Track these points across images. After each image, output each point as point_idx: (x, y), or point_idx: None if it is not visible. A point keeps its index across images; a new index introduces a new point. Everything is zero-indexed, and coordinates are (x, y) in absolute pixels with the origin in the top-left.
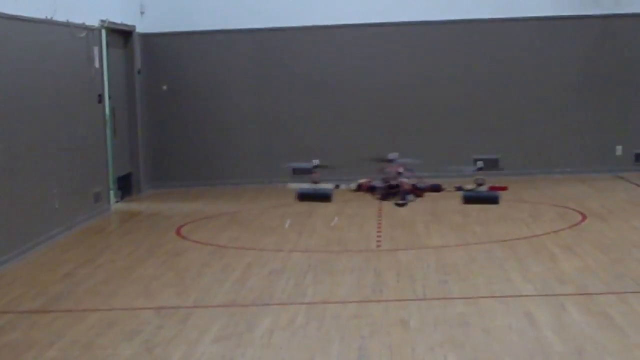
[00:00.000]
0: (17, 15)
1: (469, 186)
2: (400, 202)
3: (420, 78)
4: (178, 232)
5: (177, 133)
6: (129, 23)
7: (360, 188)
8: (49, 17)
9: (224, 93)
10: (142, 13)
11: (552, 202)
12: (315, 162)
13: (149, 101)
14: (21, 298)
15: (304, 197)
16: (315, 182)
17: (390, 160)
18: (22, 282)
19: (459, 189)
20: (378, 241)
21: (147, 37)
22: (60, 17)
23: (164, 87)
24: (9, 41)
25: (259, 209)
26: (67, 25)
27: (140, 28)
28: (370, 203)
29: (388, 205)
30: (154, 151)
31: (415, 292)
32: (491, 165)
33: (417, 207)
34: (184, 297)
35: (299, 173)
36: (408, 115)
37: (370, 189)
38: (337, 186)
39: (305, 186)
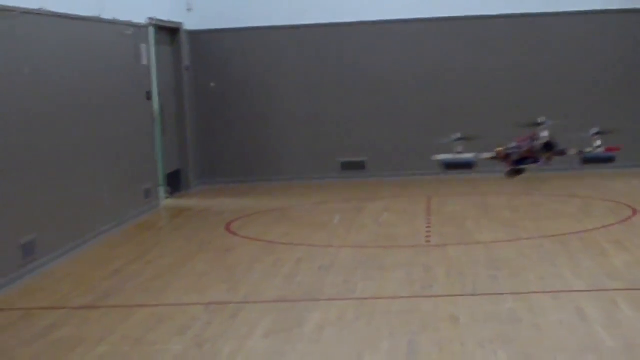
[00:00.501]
0: (65, 14)
1: (588, 149)
2: (518, 167)
3: (470, 71)
4: (228, 228)
5: (226, 129)
6: (177, 20)
7: (498, 156)
8: (96, 15)
9: (272, 89)
10: (189, 10)
11: (603, 197)
12: (456, 135)
13: (197, 98)
14: (72, 294)
15: (449, 166)
16: (459, 153)
17: (539, 124)
18: (73, 278)
19: (580, 152)
20: (427, 237)
21: (194, 34)
22: (107, 15)
23: (212, 84)
24: (57, 39)
25: (308, 205)
26: (114, 23)
27: (188, 25)
28: (420, 199)
29: (437, 201)
30: (202, 148)
31: (465, 287)
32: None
33: (466, 202)
34: (234, 292)
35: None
36: (458, 109)
37: (507, 157)
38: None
39: (449, 156)
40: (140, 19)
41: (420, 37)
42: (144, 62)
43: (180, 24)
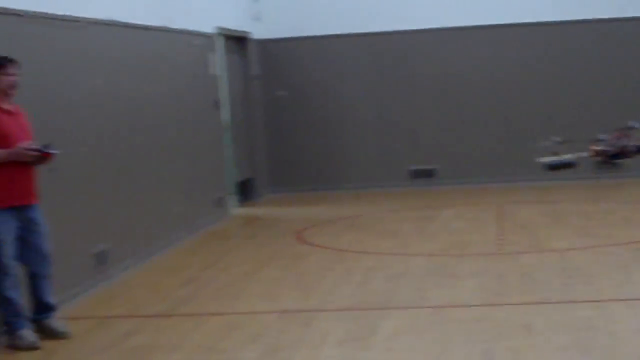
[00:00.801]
0: (133, 24)
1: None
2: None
3: (540, 77)
4: (299, 236)
5: (295, 138)
6: (245, 29)
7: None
8: (165, 25)
9: (341, 97)
10: (257, 19)
11: None
12: (555, 138)
13: (266, 106)
14: (145, 302)
15: (553, 167)
16: (557, 154)
17: (632, 128)
18: (146, 286)
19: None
20: (499, 244)
21: (263, 43)
22: (176, 25)
23: (282, 93)
24: (127, 49)
25: (378, 213)
26: (183, 32)
27: (256, 34)
28: (491, 207)
29: (508, 209)
30: (272, 156)
31: (539, 295)
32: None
33: (537, 209)
34: (306, 300)
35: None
36: (528, 116)
37: (602, 153)
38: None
39: (553, 158)
40: (209, 28)
41: (490, 43)
42: (212, 71)
43: (249, 33)
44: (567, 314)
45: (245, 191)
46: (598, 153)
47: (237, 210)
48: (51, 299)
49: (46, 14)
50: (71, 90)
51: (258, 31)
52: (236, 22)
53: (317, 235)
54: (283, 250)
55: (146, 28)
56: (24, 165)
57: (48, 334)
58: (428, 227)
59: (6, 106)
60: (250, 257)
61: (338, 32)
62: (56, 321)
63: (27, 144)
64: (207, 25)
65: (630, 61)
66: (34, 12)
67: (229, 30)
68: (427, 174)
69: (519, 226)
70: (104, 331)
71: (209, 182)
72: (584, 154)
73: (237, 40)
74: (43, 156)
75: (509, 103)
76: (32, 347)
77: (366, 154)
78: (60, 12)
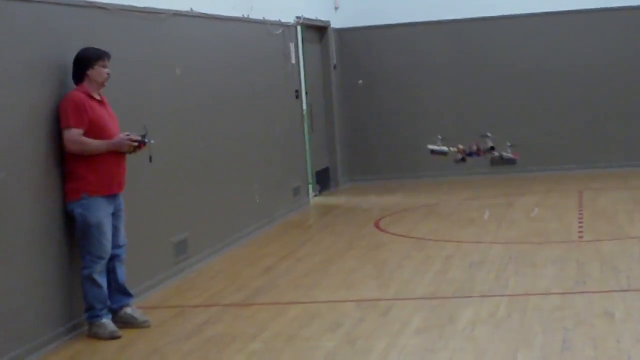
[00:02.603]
0: (214, 15)
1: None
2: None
3: (620, 63)
4: (377, 225)
5: (374, 127)
6: (324, 19)
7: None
8: (245, 15)
9: (419, 86)
10: (336, 9)
11: None
12: (439, 137)
13: (345, 96)
14: (224, 292)
15: (432, 152)
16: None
17: (486, 136)
18: (225, 276)
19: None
20: (580, 232)
21: (342, 32)
22: (256, 16)
23: (360, 82)
24: (208, 40)
25: (457, 201)
26: (263, 23)
27: (335, 23)
28: (571, 193)
29: (589, 195)
30: (351, 145)
31: (619, 283)
32: None
33: (618, 196)
34: (385, 289)
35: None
36: (607, 102)
37: (461, 151)
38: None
39: (434, 146)
40: (289, 18)
41: (567, 29)
42: (293, 61)
43: (328, 22)
44: None
45: (323, 180)
46: (459, 150)
47: (315, 200)
48: (127, 285)
49: (130, 6)
50: (154, 81)
51: (337, 20)
52: (316, 12)
53: (395, 224)
54: (361, 240)
55: (227, 19)
56: (120, 155)
57: (128, 323)
58: (507, 214)
59: (97, 97)
60: (328, 246)
61: (416, 20)
62: (136, 310)
63: (128, 134)
64: (287, 15)
65: None
66: (119, 5)
67: (309, 19)
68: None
69: (600, 213)
70: (183, 321)
71: (287, 172)
72: (454, 149)
73: (316, 30)
74: (140, 146)
75: (590, 89)
76: (113, 337)
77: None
78: (142, 5)
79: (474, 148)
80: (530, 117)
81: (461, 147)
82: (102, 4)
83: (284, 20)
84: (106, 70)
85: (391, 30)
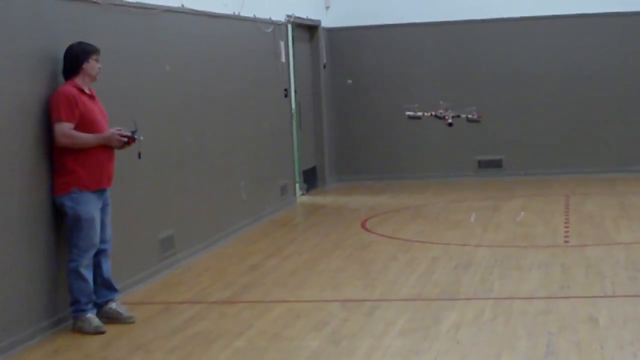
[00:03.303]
0: (204, 11)
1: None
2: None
3: (607, 69)
4: (363, 225)
5: (362, 126)
6: (315, 18)
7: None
8: (236, 12)
9: (407, 86)
10: (327, 8)
11: None
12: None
13: (334, 95)
14: (210, 289)
15: (410, 117)
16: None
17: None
18: (211, 273)
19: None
20: (565, 237)
21: (332, 32)
22: (246, 13)
23: (349, 81)
24: (198, 37)
25: (443, 203)
26: (253, 20)
27: (326, 23)
28: (557, 198)
29: (575, 200)
30: (338, 145)
31: (604, 288)
32: None
33: (604, 201)
34: (370, 290)
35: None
36: (595, 107)
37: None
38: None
39: (411, 112)
40: (279, 16)
41: (556, 33)
42: (283, 59)
43: (319, 21)
44: (633, 308)
45: (310, 179)
46: (431, 115)
47: (302, 198)
48: (112, 279)
49: (122, 1)
50: (144, 77)
51: (328, 20)
52: (307, 11)
53: (381, 225)
54: (347, 239)
55: (217, 16)
56: (109, 150)
57: (112, 318)
58: (493, 217)
59: (88, 91)
60: (314, 245)
61: (406, 21)
62: (121, 306)
63: (118, 128)
64: (278, 13)
65: None
66: (111, 0)
67: (299, 18)
68: (494, 165)
69: (586, 218)
70: (168, 317)
71: (274, 170)
72: (427, 114)
73: (307, 29)
74: (128, 142)
75: (578, 93)
76: (97, 332)
77: (432, 144)
78: (134, 0)
79: (442, 112)
80: (517, 120)
81: (432, 112)
82: None
83: (274, 18)
84: (98, 65)
85: (381, 30)
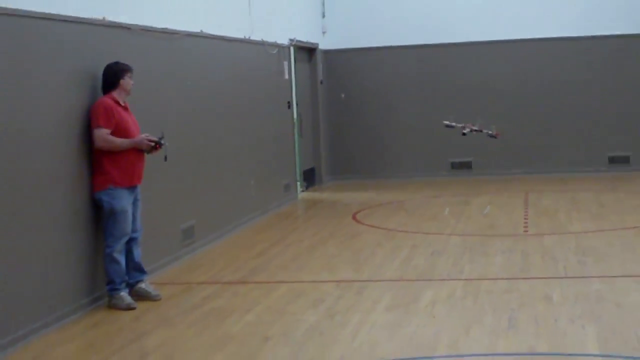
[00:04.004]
0: (220, 36)
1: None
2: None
3: (556, 85)
4: (354, 217)
5: (353, 134)
6: (313, 41)
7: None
8: (247, 37)
9: (392, 100)
10: (324, 33)
11: None
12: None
13: (329, 107)
14: (224, 271)
15: (446, 126)
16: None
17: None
18: (225, 258)
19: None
20: (525, 227)
21: (328, 53)
22: (256, 37)
23: (342, 95)
24: (215, 57)
25: (422, 199)
26: (261, 43)
27: (322, 45)
28: (518, 194)
29: (533, 196)
30: (333, 149)
31: (557, 271)
32: (623, 160)
33: (559, 197)
34: (360, 272)
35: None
36: (548, 118)
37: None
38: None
39: (447, 122)
40: (283, 40)
41: (519, 55)
42: (286, 76)
43: (316, 44)
44: (581, 288)
45: (310, 178)
46: (464, 126)
47: (302, 195)
48: (142, 263)
49: (149, 27)
50: (169, 91)
51: (324, 43)
52: (307, 35)
53: (369, 217)
54: (341, 229)
55: (231, 39)
56: (140, 153)
57: (142, 296)
58: (464, 211)
59: (122, 103)
60: (312, 234)
61: (389, 44)
62: (149, 286)
63: (147, 135)
64: (282, 37)
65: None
66: (140, 26)
67: (300, 41)
68: (465, 166)
69: (542, 211)
70: (188, 295)
71: (279, 171)
72: (460, 124)
73: (306, 51)
74: (156, 147)
75: (535, 107)
76: (129, 308)
77: (413, 148)
78: (160, 26)
79: (470, 126)
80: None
81: (464, 125)
82: (127, 24)
83: (279, 42)
84: (131, 81)
85: (370, 52)
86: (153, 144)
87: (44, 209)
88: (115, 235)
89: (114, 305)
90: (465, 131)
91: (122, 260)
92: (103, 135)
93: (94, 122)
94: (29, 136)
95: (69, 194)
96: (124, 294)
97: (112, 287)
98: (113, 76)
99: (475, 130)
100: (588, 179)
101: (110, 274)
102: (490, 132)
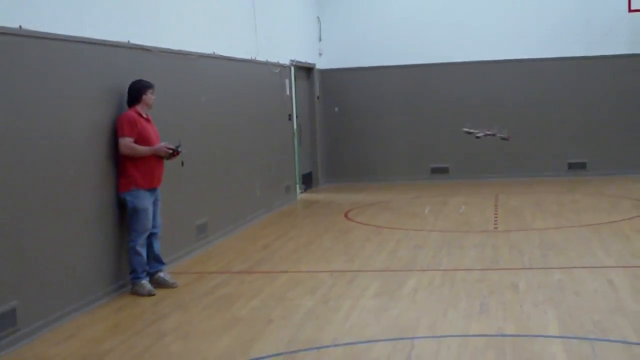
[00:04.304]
0: (230, 57)
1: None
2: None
3: (521, 100)
4: (346, 216)
5: (346, 142)
6: (311, 62)
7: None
8: (253, 57)
9: (381, 113)
10: (320, 54)
11: (629, 196)
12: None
13: (325, 119)
14: (233, 262)
15: (466, 132)
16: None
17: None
18: (234, 250)
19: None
20: (495, 224)
21: (324, 72)
22: (261, 58)
23: (336, 109)
24: (225, 75)
25: (406, 199)
26: (266, 63)
27: (319, 65)
28: (490, 196)
29: (503, 197)
30: (328, 156)
31: (523, 263)
32: (581, 166)
33: (524, 198)
34: (351, 263)
35: (468, 134)
36: (517, 129)
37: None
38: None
39: (467, 129)
40: (285, 60)
41: (490, 74)
42: (287, 92)
43: (314, 64)
44: (544, 277)
45: (308, 181)
46: (484, 133)
47: (301, 196)
48: (161, 255)
49: (167, 49)
50: (185, 105)
51: (321, 63)
52: (305, 56)
53: (359, 215)
54: (334, 225)
55: (240, 60)
56: (159, 159)
57: (161, 284)
58: (442, 210)
59: (145, 116)
60: (310, 230)
61: (379, 64)
62: (167, 275)
63: (165, 143)
64: (284, 58)
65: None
66: (159, 47)
67: (299, 62)
68: (443, 171)
69: (510, 211)
70: (201, 283)
71: (281, 174)
72: (477, 130)
73: (305, 70)
74: (174, 154)
75: (504, 119)
76: (150, 294)
77: (398, 155)
78: (177, 48)
79: (486, 131)
80: (461, 138)
81: (479, 130)
82: (147, 46)
83: (281, 62)
84: (153, 96)
85: (361, 71)
86: (171, 151)
87: (76, 207)
88: (138, 230)
89: (136, 292)
90: (479, 135)
91: (143, 252)
92: (127, 143)
93: (119, 132)
94: (65, 145)
95: (97, 194)
96: (145, 282)
97: (134, 276)
98: (136, 92)
99: (489, 135)
100: (550, 183)
101: (133, 265)
102: (502, 135)
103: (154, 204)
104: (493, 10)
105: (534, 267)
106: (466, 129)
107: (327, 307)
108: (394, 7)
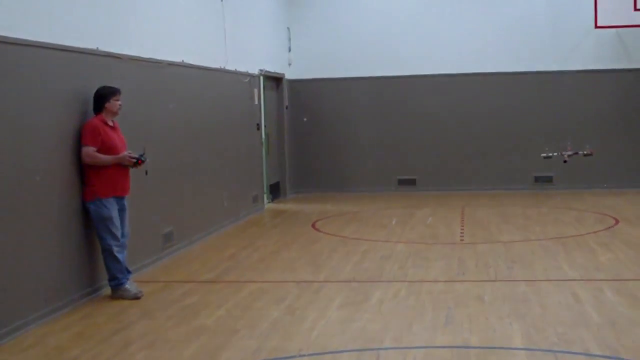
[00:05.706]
0: (199, 65)
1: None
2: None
3: (493, 113)
4: (313, 226)
5: (314, 153)
6: (280, 72)
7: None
8: (222, 66)
9: (348, 123)
10: (289, 64)
11: (594, 210)
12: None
13: (293, 129)
14: (199, 271)
15: (545, 157)
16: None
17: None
18: (200, 259)
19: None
20: (461, 236)
21: (293, 82)
22: (230, 67)
23: (305, 119)
24: (194, 83)
25: (373, 210)
26: (235, 72)
27: (288, 75)
28: (456, 208)
29: (469, 210)
30: (296, 166)
31: (489, 275)
32: (547, 180)
33: (491, 211)
34: (317, 274)
35: (547, 158)
36: (485, 142)
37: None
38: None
39: (546, 153)
40: (254, 70)
41: (458, 88)
42: (256, 102)
43: (283, 74)
44: (509, 290)
45: (275, 191)
46: (561, 154)
47: (269, 205)
48: (127, 264)
49: (137, 57)
50: (153, 113)
51: (290, 73)
52: (274, 66)
53: (327, 226)
54: (301, 236)
55: (209, 69)
56: (123, 167)
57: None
58: (409, 221)
59: (110, 123)
60: (277, 240)
61: (347, 75)
62: (133, 283)
63: (129, 152)
64: (253, 67)
65: (553, 104)
66: (129, 55)
67: (268, 72)
68: (410, 182)
69: (476, 223)
70: (167, 292)
71: (248, 184)
72: (555, 154)
73: (274, 80)
74: (138, 162)
75: (472, 132)
76: (136, 297)
77: (365, 166)
78: (146, 56)
79: (569, 151)
80: (428, 150)
81: (560, 152)
82: (117, 54)
83: (250, 71)
84: (119, 103)
85: (330, 82)
86: (135, 160)
87: (40, 213)
88: (108, 237)
89: (121, 296)
90: (566, 159)
91: (122, 256)
92: (88, 152)
93: (82, 140)
94: (30, 151)
95: (63, 201)
96: (128, 285)
97: (117, 283)
98: (100, 99)
99: (573, 155)
100: (516, 196)
101: (113, 271)
102: (585, 152)
103: (121, 213)
104: (462, 24)
105: (500, 279)
106: (544, 154)
107: (293, 318)
108: (363, 18)
